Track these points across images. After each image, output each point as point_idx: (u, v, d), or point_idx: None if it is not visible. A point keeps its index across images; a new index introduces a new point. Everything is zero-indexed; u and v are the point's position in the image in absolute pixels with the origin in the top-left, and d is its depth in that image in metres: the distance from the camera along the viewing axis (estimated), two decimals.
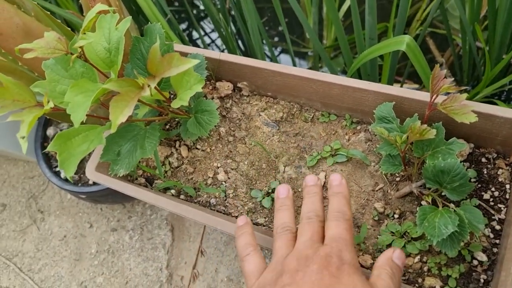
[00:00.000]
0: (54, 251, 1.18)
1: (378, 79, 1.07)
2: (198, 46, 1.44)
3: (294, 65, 1.23)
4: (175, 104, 0.57)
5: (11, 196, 1.32)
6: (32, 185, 1.32)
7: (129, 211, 1.16)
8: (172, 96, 0.80)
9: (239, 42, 1.49)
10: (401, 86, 1.13)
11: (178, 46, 0.78)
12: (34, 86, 0.60)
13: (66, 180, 1.05)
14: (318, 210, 0.55)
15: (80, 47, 0.54)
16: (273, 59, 1.21)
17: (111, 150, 0.64)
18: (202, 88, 0.81)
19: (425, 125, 0.54)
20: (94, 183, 1.02)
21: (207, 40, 1.60)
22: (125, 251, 1.10)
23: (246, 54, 1.44)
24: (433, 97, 0.57)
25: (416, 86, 1.26)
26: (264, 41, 1.16)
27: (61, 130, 1.13)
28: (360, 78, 0.97)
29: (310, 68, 1.38)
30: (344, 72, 1.40)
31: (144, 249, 1.09)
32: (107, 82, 0.50)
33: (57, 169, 1.07)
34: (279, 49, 1.55)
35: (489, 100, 1.10)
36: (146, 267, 1.06)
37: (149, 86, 0.50)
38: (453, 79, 0.53)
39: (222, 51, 1.51)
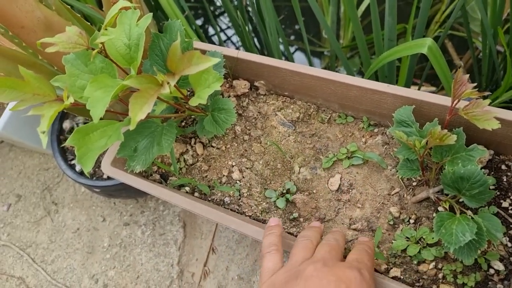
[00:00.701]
0: (67, 243, 1.19)
1: (395, 81, 1.06)
2: (213, 43, 1.44)
3: (310, 64, 1.22)
4: (193, 102, 0.57)
5: (26, 188, 1.34)
6: (47, 177, 1.33)
7: (142, 206, 1.16)
8: (189, 93, 0.80)
9: (255, 39, 1.49)
10: (419, 89, 1.12)
11: (197, 44, 0.78)
12: (54, 80, 0.60)
13: (81, 173, 1.05)
14: (340, 240, 0.57)
15: (101, 42, 0.54)
16: (289, 57, 1.21)
17: (128, 146, 0.64)
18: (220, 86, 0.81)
19: (445, 130, 0.53)
20: (109, 178, 1.03)
21: (223, 37, 1.60)
22: (137, 246, 1.11)
23: (262, 52, 1.44)
24: (455, 102, 0.56)
25: (434, 89, 1.24)
26: (281, 40, 1.15)
27: (77, 123, 1.14)
28: (377, 80, 0.96)
29: (325, 68, 1.38)
30: (360, 73, 1.39)
31: (156, 244, 1.10)
32: (127, 78, 0.50)
33: (73, 162, 1.08)
34: (294, 47, 1.54)
35: (507, 105, 1.08)
36: (157, 262, 1.07)
37: (168, 83, 0.50)
38: (475, 84, 0.52)
39: (238, 48, 1.51)
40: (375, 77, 1.05)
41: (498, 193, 0.63)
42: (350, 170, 0.70)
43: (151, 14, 0.56)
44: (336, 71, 1.23)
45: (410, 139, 0.57)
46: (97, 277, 1.11)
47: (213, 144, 0.77)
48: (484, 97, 0.55)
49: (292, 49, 1.54)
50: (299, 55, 1.52)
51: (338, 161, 0.72)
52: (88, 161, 0.53)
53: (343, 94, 0.70)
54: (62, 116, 1.16)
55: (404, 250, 0.62)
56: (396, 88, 0.65)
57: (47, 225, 1.24)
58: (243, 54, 0.76)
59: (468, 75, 0.56)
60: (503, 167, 0.65)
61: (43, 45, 0.54)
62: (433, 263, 0.61)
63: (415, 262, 0.62)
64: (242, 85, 0.80)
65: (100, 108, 0.50)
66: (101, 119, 0.55)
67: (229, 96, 0.79)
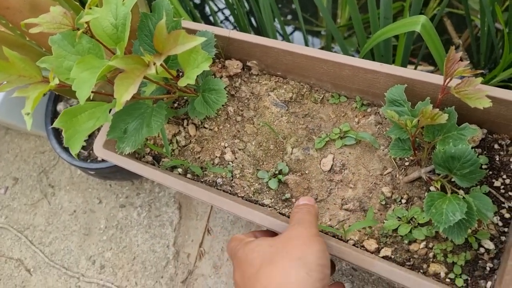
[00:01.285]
0: (64, 225, 1.19)
1: (391, 61, 1.05)
2: (211, 23, 1.42)
3: (306, 44, 1.20)
4: (182, 82, 0.56)
5: (23, 171, 1.34)
6: (43, 160, 1.33)
7: (137, 188, 1.16)
8: (180, 74, 0.79)
9: (252, 20, 1.47)
10: (415, 68, 1.10)
11: (187, 23, 0.77)
12: (40, 61, 0.60)
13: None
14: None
15: (86, 22, 0.53)
16: (285, 37, 1.19)
17: (118, 127, 0.63)
18: (211, 66, 0.80)
19: (437, 109, 0.53)
20: (103, 160, 1.03)
21: (221, 16, 1.57)
22: (133, 227, 1.12)
23: (258, 32, 1.42)
24: (447, 81, 0.56)
25: (431, 68, 1.23)
26: (276, 19, 1.14)
27: (71, 105, 1.13)
28: (373, 59, 0.95)
29: (322, 48, 1.36)
30: (358, 53, 1.37)
31: (152, 226, 1.10)
32: (113, 59, 0.50)
33: None
34: (291, 28, 1.52)
35: (505, 84, 1.07)
36: (153, 243, 1.08)
37: (154, 64, 0.49)
38: (469, 61, 0.51)
39: (235, 28, 1.48)
40: (372, 56, 1.03)
41: (491, 172, 0.63)
42: (343, 150, 0.70)
43: None
44: (333, 51, 1.21)
45: (401, 119, 0.56)
46: (94, 259, 1.12)
47: (206, 125, 0.77)
48: (477, 75, 0.54)
49: (290, 29, 1.51)
50: (297, 35, 1.50)
51: (330, 141, 0.71)
52: (76, 143, 0.53)
53: (335, 73, 0.69)
54: (56, 98, 1.15)
55: (395, 230, 0.62)
56: (389, 67, 0.64)
57: (44, 208, 1.25)
58: (235, 34, 0.74)
59: (461, 52, 0.55)
60: (496, 146, 0.64)
61: (27, 26, 0.53)
62: (424, 243, 0.61)
63: (406, 241, 0.62)
64: (234, 65, 0.79)
65: (86, 90, 0.50)
66: (90, 100, 0.54)
67: (221, 77, 0.79)
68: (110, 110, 0.59)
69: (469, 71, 0.53)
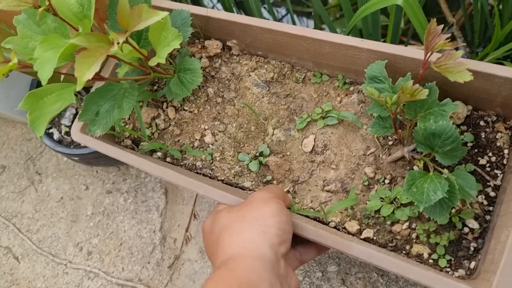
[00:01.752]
0: (51, 212, 1.18)
1: (380, 39, 1.02)
2: (204, 5, 1.37)
3: (294, 24, 1.17)
4: (153, 62, 0.54)
5: (10, 158, 1.32)
6: (30, 147, 1.31)
7: (123, 173, 1.15)
8: None
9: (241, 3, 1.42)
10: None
11: (163, 2, 0.74)
12: (5, 42, 0.57)
13: (59, 141, 1.03)
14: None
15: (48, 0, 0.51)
16: (275, 20, 1.16)
17: (90, 110, 0.61)
18: (191, 47, 0.77)
19: (417, 85, 0.51)
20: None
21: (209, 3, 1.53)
22: (119, 213, 1.10)
23: (245, 13, 1.38)
24: (428, 55, 0.53)
25: (422, 47, 1.20)
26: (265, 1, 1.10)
27: None
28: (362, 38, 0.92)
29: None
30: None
31: (138, 211, 1.08)
32: (75, 36, 0.47)
33: (50, 130, 1.06)
34: (284, 10, 1.48)
35: (500, 62, 1.04)
36: (140, 229, 1.06)
37: (118, 43, 0.46)
38: (449, 35, 0.49)
39: (213, 7, 1.44)
40: (360, 36, 1.01)
41: (476, 150, 0.61)
42: (325, 131, 0.68)
43: None
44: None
45: (381, 96, 0.54)
46: (82, 245, 1.10)
47: (186, 108, 0.75)
48: (458, 49, 0.52)
49: (283, 11, 1.47)
50: (289, 18, 1.45)
51: (312, 122, 0.69)
52: (41, 125, 0.51)
53: (316, 51, 0.67)
54: (39, 84, 1.13)
55: (378, 211, 0.61)
56: (370, 43, 0.62)
57: (31, 195, 1.23)
58: (213, 12, 0.72)
59: (442, 25, 0.52)
60: (482, 123, 0.62)
61: None
62: (407, 223, 0.59)
63: (388, 222, 0.60)
64: (214, 45, 0.76)
65: (48, 69, 0.47)
66: (60, 81, 0.52)
67: (201, 58, 0.76)
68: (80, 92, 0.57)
69: (450, 44, 0.51)
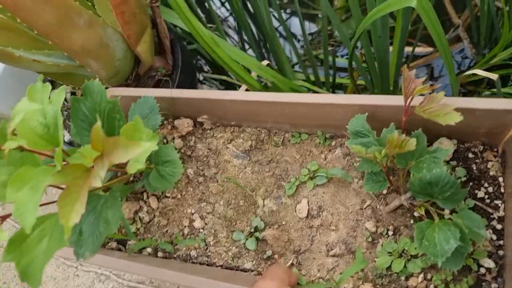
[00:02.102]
0: None
1: (389, 42, 0.97)
2: (205, 9, 1.28)
3: (303, 29, 1.11)
4: (131, 169, 0.50)
5: None
6: None
7: None
8: None
9: (248, 4, 1.36)
10: (413, 49, 1.04)
11: (126, 90, 0.72)
12: None
13: None
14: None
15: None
16: (281, 21, 1.09)
17: (72, 229, 0.56)
18: (161, 129, 0.75)
19: (404, 135, 0.49)
20: None
21: (217, 3, 1.45)
22: None
23: (252, 18, 1.29)
24: (408, 101, 0.52)
25: (431, 49, 1.17)
26: (272, 3, 1.05)
27: None
28: (370, 41, 0.88)
29: (318, 31, 1.28)
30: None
31: None
32: (51, 175, 0.43)
33: None
34: (290, 10, 1.42)
35: (506, 63, 1.03)
36: None
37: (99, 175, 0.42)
38: (423, 79, 0.48)
39: (229, 15, 1.36)
40: (369, 39, 0.96)
41: (471, 183, 0.60)
42: (316, 192, 0.66)
43: (64, 87, 0.49)
44: (330, 34, 1.17)
45: (369, 151, 0.52)
46: None
47: (167, 194, 0.71)
48: (437, 90, 0.51)
49: (288, 13, 1.41)
50: (295, 20, 1.40)
51: (301, 185, 0.67)
52: (35, 275, 0.46)
53: (291, 113, 0.65)
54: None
55: (389, 268, 0.58)
56: (345, 97, 0.61)
57: None
58: (177, 92, 0.70)
59: (414, 70, 0.52)
60: (470, 155, 0.62)
61: None
62: (422, 275, 0.57)
63: (403, 278, 0.57)
64: (185, 124, 0.74)
65: (30, 214, 0.42)
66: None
67: (173, 138, 0.73)
68: None
69: (427, 88, 0.50)
